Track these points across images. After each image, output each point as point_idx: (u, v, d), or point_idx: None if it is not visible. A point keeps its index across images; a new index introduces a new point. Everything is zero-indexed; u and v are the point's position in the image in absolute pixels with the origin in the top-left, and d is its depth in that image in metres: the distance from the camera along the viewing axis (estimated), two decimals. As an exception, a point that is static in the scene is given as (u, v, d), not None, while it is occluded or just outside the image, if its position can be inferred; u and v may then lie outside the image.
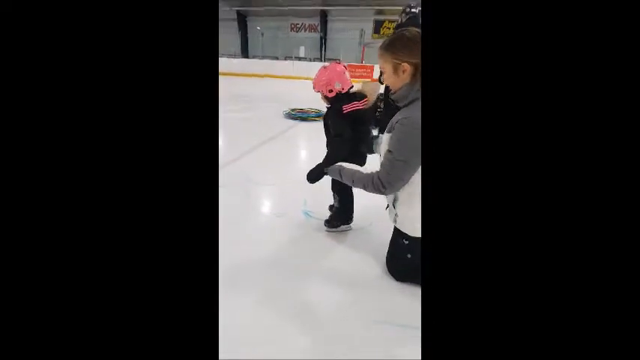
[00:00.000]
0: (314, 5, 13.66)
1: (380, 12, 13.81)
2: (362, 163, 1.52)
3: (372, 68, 11.05)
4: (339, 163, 1.33)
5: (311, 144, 3.54)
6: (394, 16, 13.88)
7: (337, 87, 1.42)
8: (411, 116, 1.05)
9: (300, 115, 4.49)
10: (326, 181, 1.65)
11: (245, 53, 15.71)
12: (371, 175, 1.18)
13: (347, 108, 1.39)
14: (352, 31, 14.31)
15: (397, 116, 1.10)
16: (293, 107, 4.86)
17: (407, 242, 1.28)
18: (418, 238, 1.22)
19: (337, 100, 1.44)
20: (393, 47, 1.08)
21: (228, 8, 14.21)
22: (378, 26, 14.30)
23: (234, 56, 14.20)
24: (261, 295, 1.28)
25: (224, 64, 11.39)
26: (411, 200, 1.18)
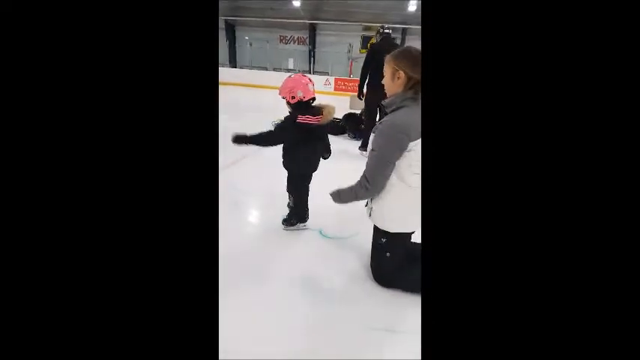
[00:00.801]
0: (303, 19, 13.90)
1: (367, 28, 14.17)
2: (311, 170, 1.71)
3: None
4: (336, 189, 1.38)
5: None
6: (381, 32, 14.24)
7: (299, 95, 1.57)
8: (390, 120, 1.20)
9: None
10: (311, 193, 1.67)
11: (233, 63, 15.74)
12: (358, 181, 1.27)
13: (301, 118, 1.54)
14: (341, 45, 14.59)
15: (382, 120, 1.25)
16: (282, 118, 4.87)
17: (385, 240, 1.33)
18: (394, 234, 1.30)
19: (298, 108, 1.60)
20: (396, 56, 1.23)
21: (217, 18, 14.29)
22: (365, 42, 14.64)
23: (221, 65, 14.21)
24: (253, 300, 1.29)
25: (212, 72, 11.37)
26: (384, 194, 1.27)
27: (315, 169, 1.75)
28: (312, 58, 15.03)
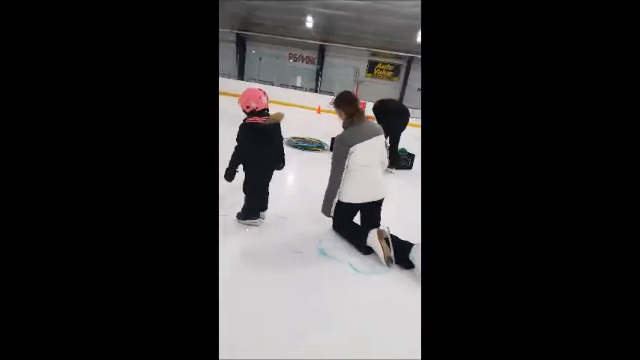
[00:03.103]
0: (313, 39, 14.27)
1: (374, 54, 14.61)
2: (262, 173, 2.02)
3: (364, 104, 11.34)
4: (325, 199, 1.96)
5: (315, 175, 3.57)
6: (387, 58, 14.84)
7: (252, 105, 1.90)
8: (338, 136, 1.94)
9: (302, 145, 4.53)
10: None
11: (241, 75, 15.97)
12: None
13: (249, 119, 1.86)
14: (347, 67, 14.98)
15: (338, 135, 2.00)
16: (293, 135, 4.90)
17: (336, 205, 1.99)
18: (341, 202, 1.98)
19: (250, 116, 1.90)
20: (335, 103, 2.01)
21: (228, 30, 14.60)
22: (371, 66, 15.07)
23: (228, 77, 14.39)
24: (266, 303, 1.33)
25: (220, 83, 11.46)
26: (345, 182, 1.94)
27: (267, 176, 2.03)
28: (320, 78, 15.34)
